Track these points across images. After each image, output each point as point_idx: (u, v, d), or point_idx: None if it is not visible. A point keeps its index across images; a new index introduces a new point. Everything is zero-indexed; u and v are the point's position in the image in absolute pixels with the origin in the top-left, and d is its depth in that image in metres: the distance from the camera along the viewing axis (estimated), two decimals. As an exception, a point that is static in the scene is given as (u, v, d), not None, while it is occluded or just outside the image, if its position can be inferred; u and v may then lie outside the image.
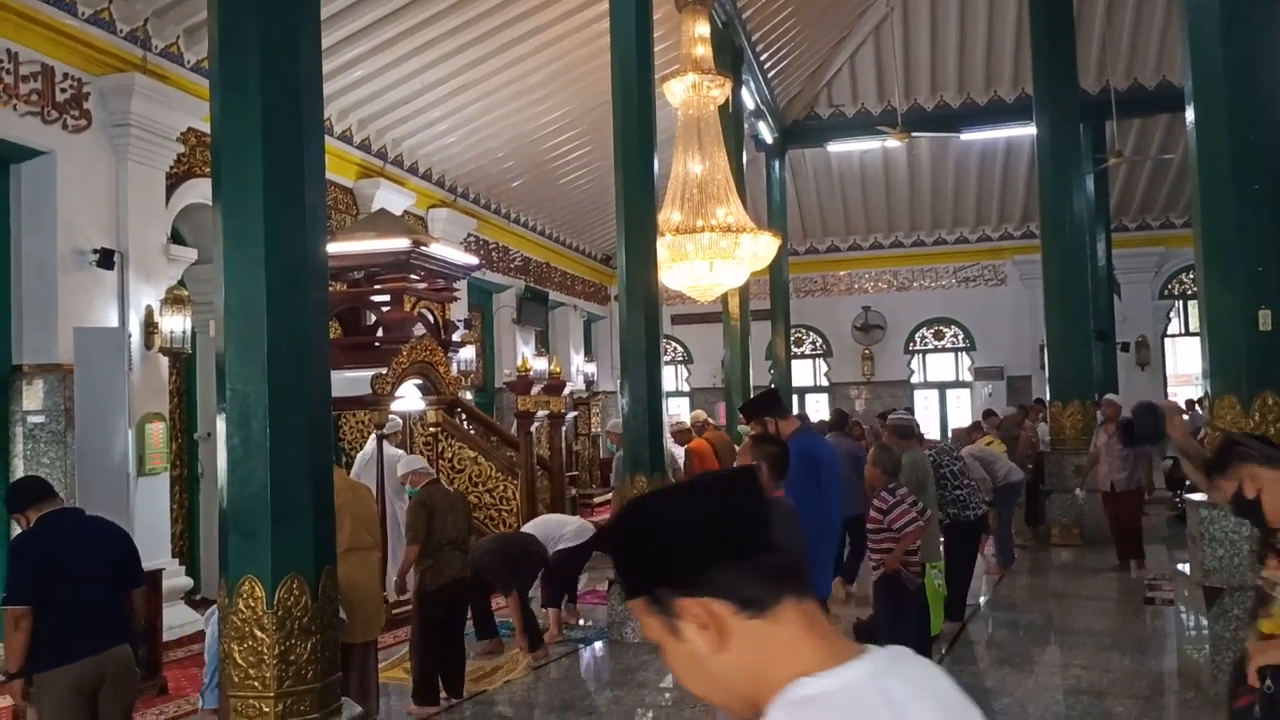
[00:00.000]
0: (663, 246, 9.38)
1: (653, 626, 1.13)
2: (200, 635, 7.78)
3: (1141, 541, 9.86)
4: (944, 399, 20.19)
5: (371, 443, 8.30)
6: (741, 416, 11.89)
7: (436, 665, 6.00)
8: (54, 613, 3.85)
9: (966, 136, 16.74)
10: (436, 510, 6.04)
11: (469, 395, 12.38)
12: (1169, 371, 19.40)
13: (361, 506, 5.15)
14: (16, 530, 6.99)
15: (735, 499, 1.12)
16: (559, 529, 7.77)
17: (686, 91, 10.27)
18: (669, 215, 10.28)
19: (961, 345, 20.19)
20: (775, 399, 5.14)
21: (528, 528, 8.01)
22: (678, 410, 18.39)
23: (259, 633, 3.32)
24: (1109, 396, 10.20)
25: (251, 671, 3.33)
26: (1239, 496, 2.81)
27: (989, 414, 11.86)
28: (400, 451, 8.60)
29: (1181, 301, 19.26)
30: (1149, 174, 17.97)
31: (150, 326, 8.08)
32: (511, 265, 16.21)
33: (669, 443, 9.45)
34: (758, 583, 1.08)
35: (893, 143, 15.14)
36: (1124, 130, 16.29)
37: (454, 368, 10.74)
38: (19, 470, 7.37)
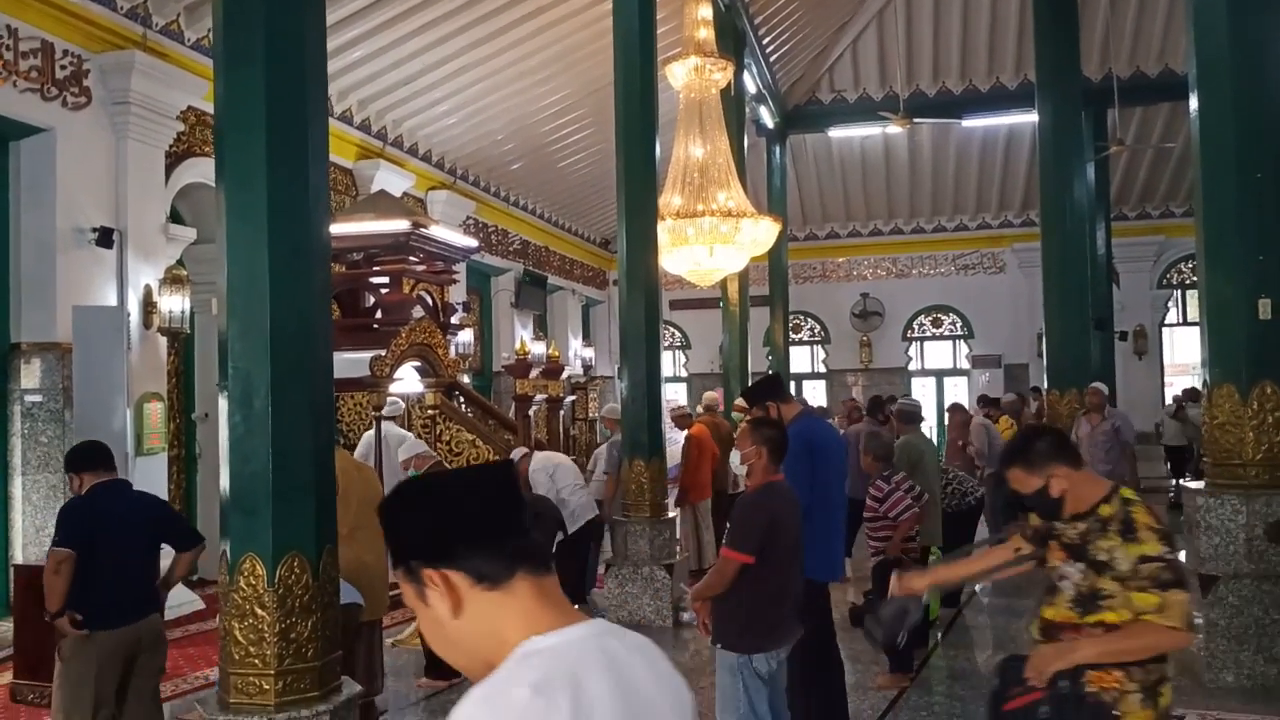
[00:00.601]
0: (663, 230, 9.36)
1: (409, 593, 1.30)
2: (197, 615, 7.83)
3: None
4: (941, 386, 20.20)
5: (388, 427, 8.31)
6: (742, 401, 11.93)
7: None
8: (98, 581, 4.09)
9: (968, 123, 16.69)
10: None
11: (467, 378, 12.37)
12: (1166, 361, 19.43)
13: (367, 487, 5.15)
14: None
15: (485, 489, 1.31)
16: (563, 497, 7.37)
17: (688, 74, 10.24)
18: (669, 199, 10.26)
19: (960, 333, 20.20)
20: (778, 384, 5.13)
21: (536, 465, 7.61)
22: (674, 396, 18.39)
23: (260, 610, 3.32)
24: (1094, 385, 9.74)
25: (252, 649, 3.33)
26: (1043, 493, 2.83)
27: (985, 399, 11.78)
28: (405, 432, 8.59)
29: (1180, 291, 19.29)
30: (1150, 163, 17.95)
31: (149, 306, 8.06)
32: (510, 249, 16.18)
33: (667, 427, 9.44)
34: (494, 560, 1.26)
35: (894, 129, 15.09)
36: (1125, 118, 16.26)
37: (452, 350, 10.73)
38: (17, 450, 7.37)
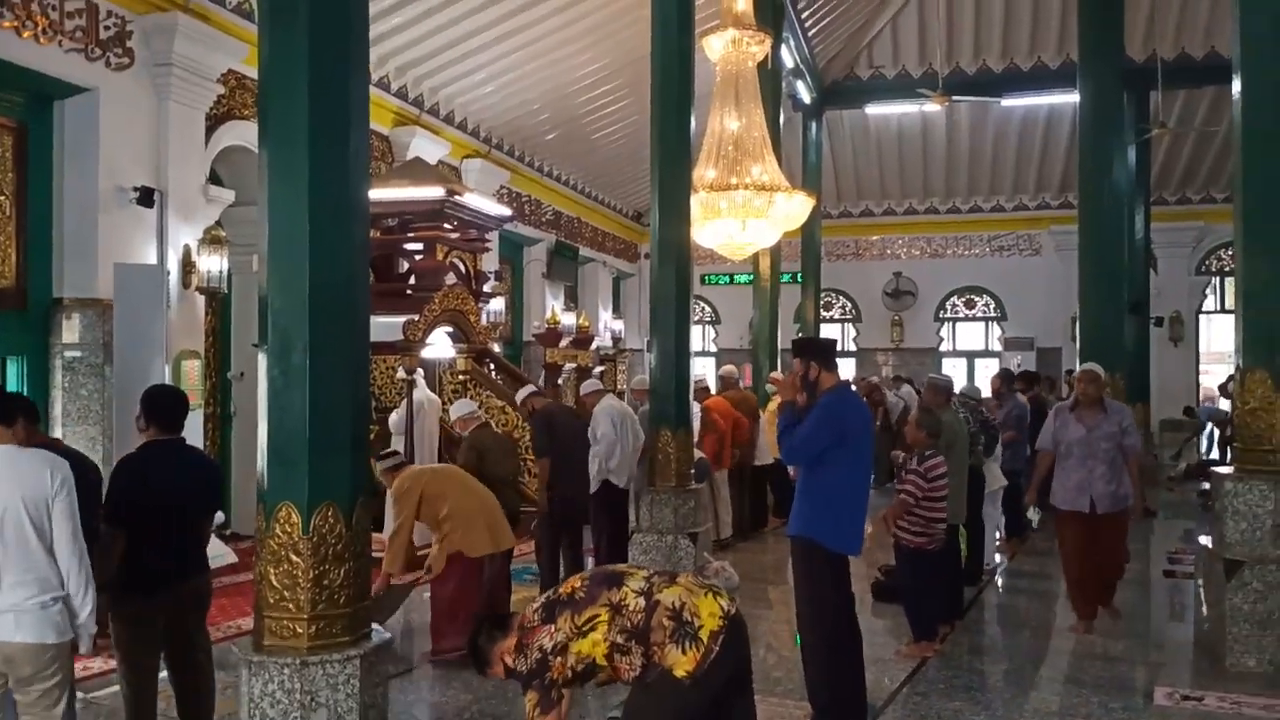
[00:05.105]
0: (696, 203, 9.36)
1: None
2: (230, 569, 7.99)
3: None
4: (972, 368, 20.08)
5: (418, 393, 8.46)
6: (777, 374, 11.91)
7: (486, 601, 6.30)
8: (140, 545, 3.97)
9: (1008, 102, 16.50)
10: (486, 452, 6.48)
11: (498, 346, 12.46)
12: (1202, 349, 19.21)
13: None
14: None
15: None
16: (617, 449, 7.49)
17: (726, 47, 10.20)
18: (703, 172, 10.26)
19: (992, 315, 20.07)
20: (830, 350, 5.02)
21: (603, 407, 7.64)
22: (703, 371, 18.40)
23: (294, 557, 3.42)
24: (1088, 367, 6.71)
25: (286, 594, 3.43)
26: None
27: (1009, 374, 11.27)
28: (433, 395, 8.71)
29: (1218, 278, 19.05)
30: (1192, 146, 17.69)
31: (188, 265, 8.19)
32: (543, 219, 16.23)
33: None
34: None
35: (932, 106, 14.95)
36: (1169, 101, 16.01)
37: (484, 318, 10.81)
38: (58, 402, 7.53)
